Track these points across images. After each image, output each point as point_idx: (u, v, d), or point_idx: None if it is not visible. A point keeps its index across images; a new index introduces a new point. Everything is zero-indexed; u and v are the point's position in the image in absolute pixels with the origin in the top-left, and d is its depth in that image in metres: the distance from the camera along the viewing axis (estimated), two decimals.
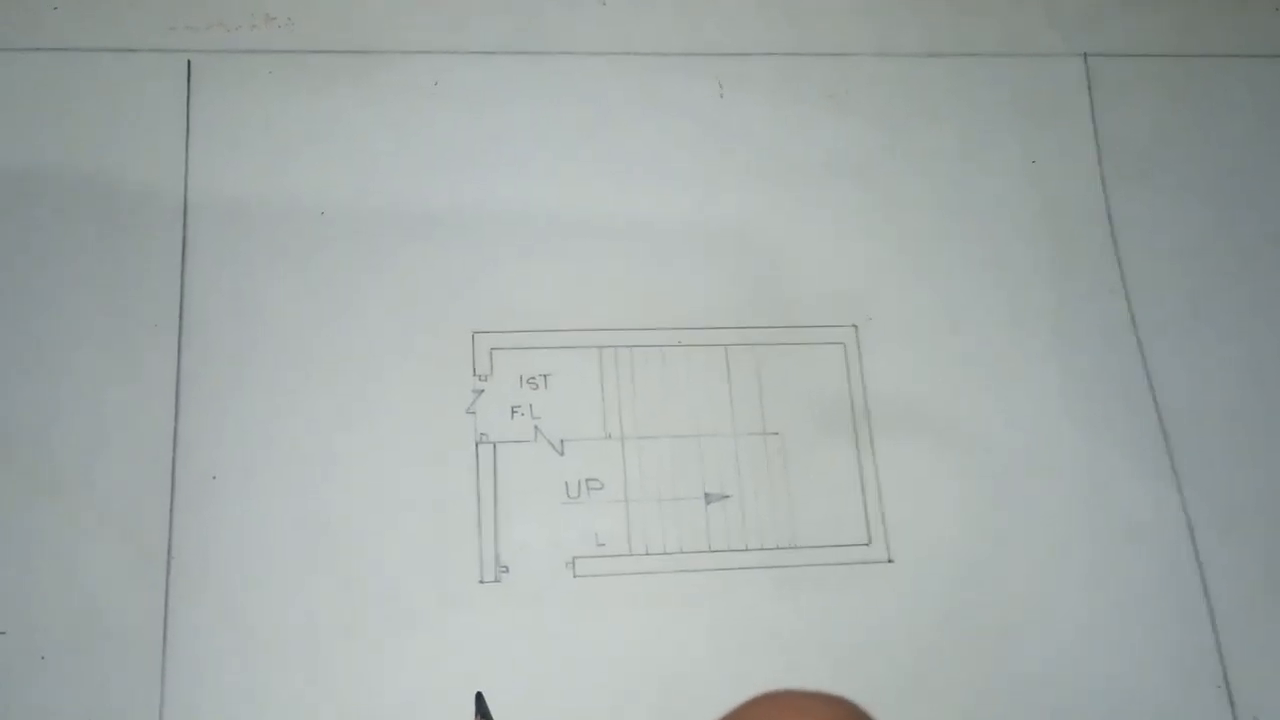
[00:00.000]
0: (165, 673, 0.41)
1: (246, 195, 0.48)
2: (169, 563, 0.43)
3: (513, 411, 0.46)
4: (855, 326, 0.50)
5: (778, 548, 0.46)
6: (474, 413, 0.46)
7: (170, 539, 0.43)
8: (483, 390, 0.46)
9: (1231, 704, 0.46)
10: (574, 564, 0.45)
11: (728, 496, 0.46)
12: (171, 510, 0.43)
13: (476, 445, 0.46)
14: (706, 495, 0.46)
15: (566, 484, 0.46)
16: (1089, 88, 0.55)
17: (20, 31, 0.49)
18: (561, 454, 0.46)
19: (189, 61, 0.50)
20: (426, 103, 0.51)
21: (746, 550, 0.46)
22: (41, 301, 0.45)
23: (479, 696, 0.42)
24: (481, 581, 0.44)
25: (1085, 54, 0.55)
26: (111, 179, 0.47)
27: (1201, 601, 0.47)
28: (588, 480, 0.46)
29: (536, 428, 0.46)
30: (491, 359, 0.47)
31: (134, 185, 0.48)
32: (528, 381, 0.47)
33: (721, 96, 0.53)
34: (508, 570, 0.44)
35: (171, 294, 0.46)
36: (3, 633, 0.41)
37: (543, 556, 0.45)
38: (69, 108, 0.48)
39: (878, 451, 0.48)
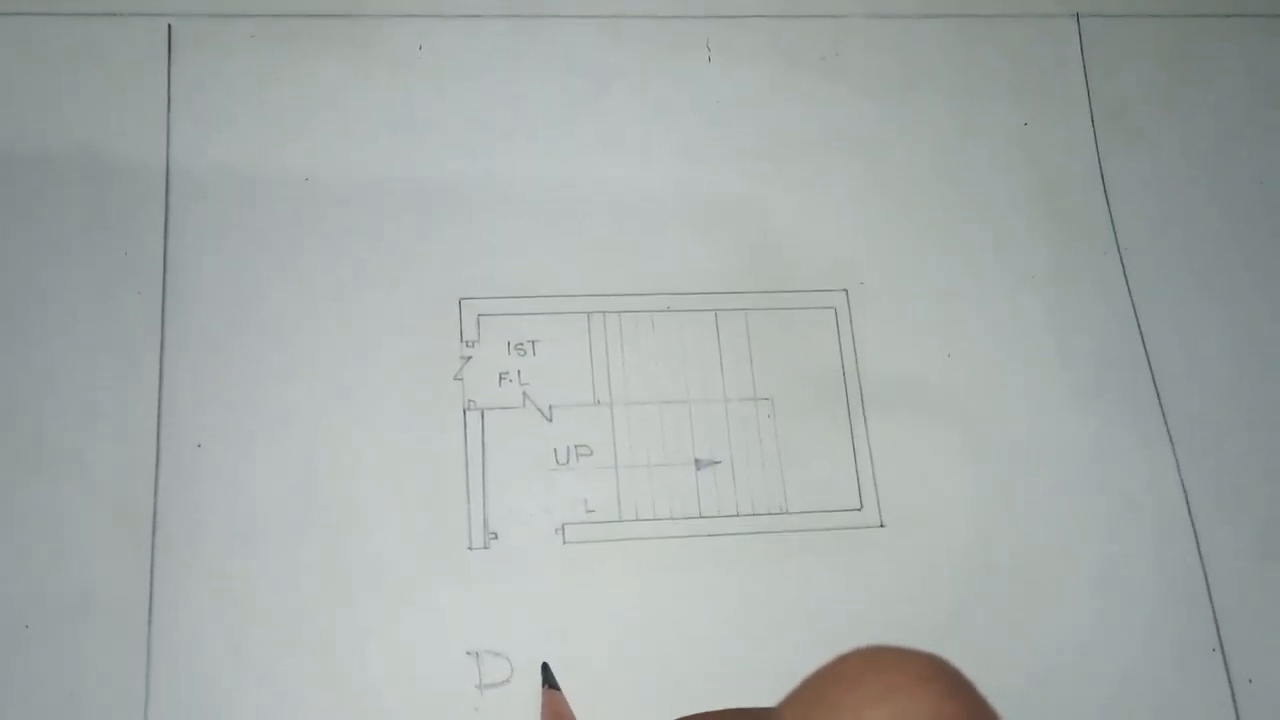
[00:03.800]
0: (151, 643, 0.41)
1: (229, 161, 0.47)
2: (154, 532, 0.42)
3: (500, 378, 0.46)
4: (846, 291, 0.49)
5: (769, 513, 0.46)
6: (461, 379, 0.46)
7: (155, 508, 0.42)
8: (470, 357, 0.46)
9: (1226, 667, 0.46)
10: (563, 530, 0.44)
11: (718, 462, 0.46)
12: (156, 480, 0.43)
13: (464, 412, 0.45)
14: (697, 461, 0.46)
15: (555, 450, 0.45)
16: (1082, 48, 0.54)
17: None
18: (550, 420, 0.46)
19: (169, 25, 0.49)
20: (411, 68, 0.50)
21: (737, 516, 0.45)
22: (21, 272, 0.45)
23: (545, 666, 0.42)
24: (470, 548, 0.44)
25: (1078, 14, 0.55)
26: (92, 145, 0.47)
27: (1197, 567, 0.47)
28: (577, 446, 0.45)
29: (525, 394, 0.46)
30: (479, 325, 0.46)
31: (115, 152, 0.47)
32: (515, 348, 0.46)
33: (710, 60, 0.52)
34: (497, 537, 0.44)
35: (154, 262, 0.46)
36: None
37: (532, 523, 0.44)
38: (46, 74, 0.48)
39: (869, 417, 0.47)
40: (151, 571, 0.42)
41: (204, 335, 0.45)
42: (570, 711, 0.40)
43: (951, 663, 0.25)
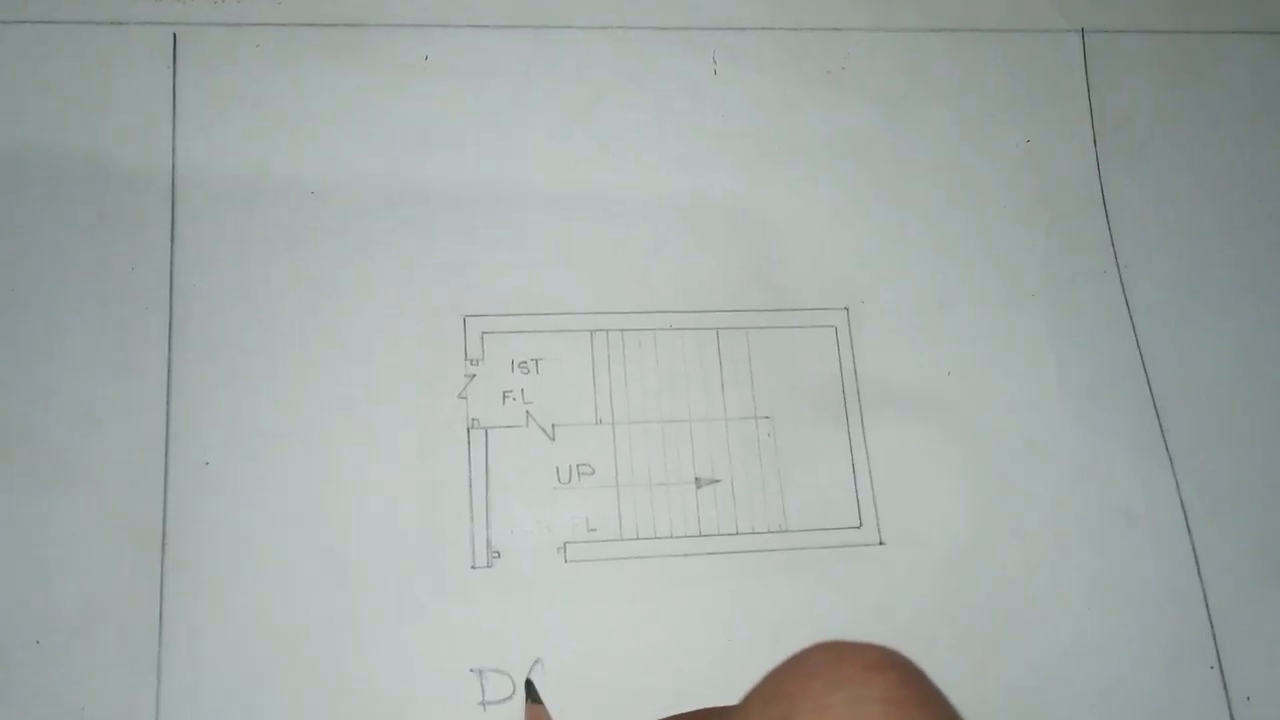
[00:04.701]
0: (161, 659, 0.41)
1: (235, 173, 0.48)
2: (163, 549, 0.43)
3: (504, 396, 0.46)
4: (847, 309, 0.49)
5: (769, 531, 0.46)
6: (465, 398, 0.46)
7: (164, 525, 0.43)
8: (474, 375, 0.46)
9: (1224, 684, 0.46)
10: (565, 549, 0.45)
11: (718, 481, 0.46)
12: (165, 497, 0.43)
13: (468, 430, 0.46)
14: (697, 479, 0.46)
15: (558, 469, 0.46)
16: (1085, 64, 0.54)
17: (1, 4, 0.48)
18: (553, 439, 0.46)
19: (174, 34, 0.49)
20: (417, 78, 0.50)
21: (737, 534, 0.46)
22: (27, 286, 0.45)
23: (529, 683, 0.42)
24: (473, 567, 0.44)
25: (1083, 30, 0.55)
26: (98, 156, 0.47)
27: (1195, 583, 0.47)
28: (579, 465, 0.46)
29: (528, 413, 0.46)
30: (483, 343, 0.47)
31: (121, 162, 0.47)
32: (519, 366, 0.47)
33: (715, 73, 0.52)
34: (499, 556, 0.44)
35: (161, 276, 0.46)
36: None
37: (534, 542, 0.45)
38: (51, 83, 0.48)
39: (869, 435, 0.48)
40: (161, 588, 0.42)
41: (210, 351, 0.45)
42: None
43: (906, 655, 0.26)
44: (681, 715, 0.34)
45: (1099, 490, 0.48)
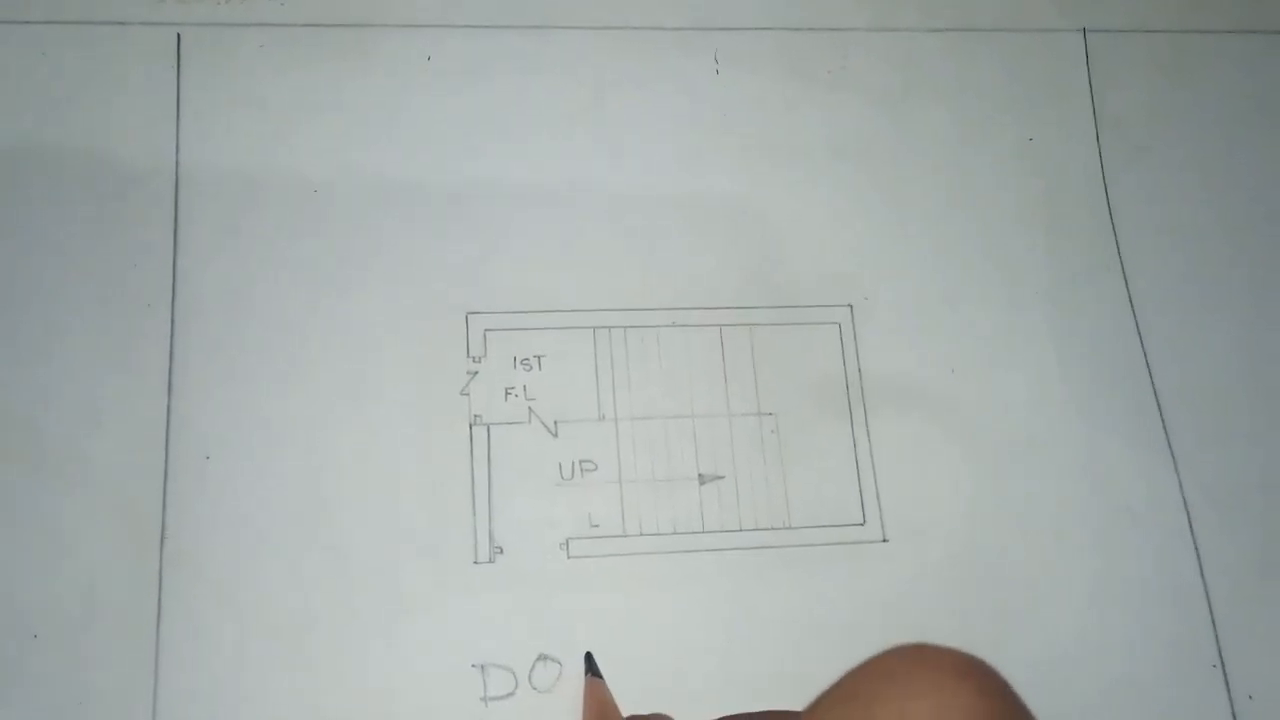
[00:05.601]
0: (159, 653, 0.41)
1: (238, 172, 0.48)
2: (162, 543, 0.43)
3: (506, 393, 0.46)
4: (850, 306, 0.49)
5: (772, 528, 0.46)
6: (468, 394, 0.46)
7: (164, 520, 0.43)
8: (476, 372, 0.46)
9: (1226, 683, 0.46)
10: (568, 545, 0.45)
11: (722, 477, 0.46)
12: (165, 491, 0.43)
13: (470, 427, 0.46)
14: (701, 476, 0.46)
15: (560, 465, 0.46)
16: (1088, 63, 0.54)
17: (6, 4, 0.49)
18: (555, 435, 0.46)
19: (178, 35, 0.49)
20: (419, 78, 0.50)
21: (741, 531, 0.46)
22: (32, 282, 0.45)
23: (589, 656, 0.42)
24: (476, 563, 0.44)
25: (1084, 29, 0.55)
26: (102, 155, 0.47)
27: (1197, 582, 0.47)
28: (581, 461, 0.46)
29: (530, 409, 0.46)
30: (485, 340, 0.47)
31: (124, 162, 0.47)
32: (521, 363, 0.47)
33: (718, 72, 0.52)
34: (502, 551, 0.44)
35: (164, 273, 0.46)
36: None
37: (537, 538, 0.45)
38: (56, 83, 0.48)
39: (873, 431, 0.48)
40: (160, 582, 0.42)
41: (212, 347, 0.45)
42: (612, 698, 0.41)
43: (988, 663, 0.25)
44: (746, 715, 0.33)
45: (1101, 488, 0.48)
